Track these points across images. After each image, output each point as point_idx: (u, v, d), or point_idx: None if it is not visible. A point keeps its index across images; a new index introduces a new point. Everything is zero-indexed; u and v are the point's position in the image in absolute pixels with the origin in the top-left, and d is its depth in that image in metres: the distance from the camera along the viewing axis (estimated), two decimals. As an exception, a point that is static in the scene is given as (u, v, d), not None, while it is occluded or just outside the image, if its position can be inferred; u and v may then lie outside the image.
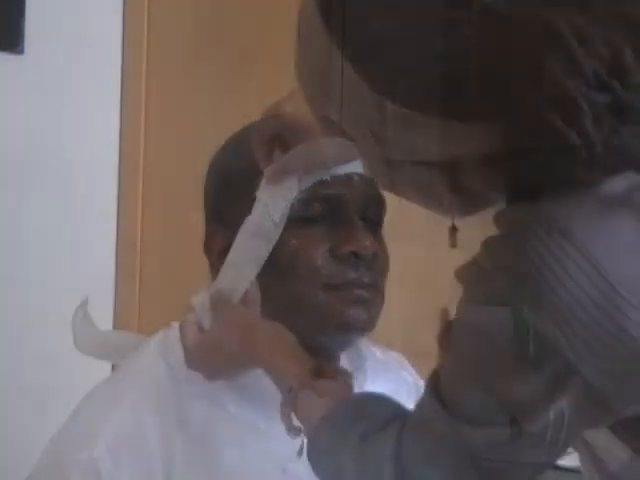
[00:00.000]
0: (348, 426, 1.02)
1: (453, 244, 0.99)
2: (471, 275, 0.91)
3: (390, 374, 1.37)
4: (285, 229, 1.20)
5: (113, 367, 1.79)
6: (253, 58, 2.41)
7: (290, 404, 1.10)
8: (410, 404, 1.27)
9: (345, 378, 1.13)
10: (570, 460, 1.89)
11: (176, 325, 1.27)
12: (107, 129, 2.46)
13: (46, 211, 2.36)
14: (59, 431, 1.21)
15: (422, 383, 1.40)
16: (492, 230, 0.92)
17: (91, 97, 2.44)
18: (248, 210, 1.22)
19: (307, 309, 1.19)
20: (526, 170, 0.90)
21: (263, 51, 2.35)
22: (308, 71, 0.93)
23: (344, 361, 1.28)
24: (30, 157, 2.34)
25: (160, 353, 1.24)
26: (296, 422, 1.11)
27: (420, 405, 0.97)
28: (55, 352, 2.21)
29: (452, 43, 0.85)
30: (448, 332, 0.94)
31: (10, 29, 2.30)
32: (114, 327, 2.39)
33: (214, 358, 1.20)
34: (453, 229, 0.99)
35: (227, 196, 1.25)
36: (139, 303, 2.45)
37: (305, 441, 1.09)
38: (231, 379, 1.20)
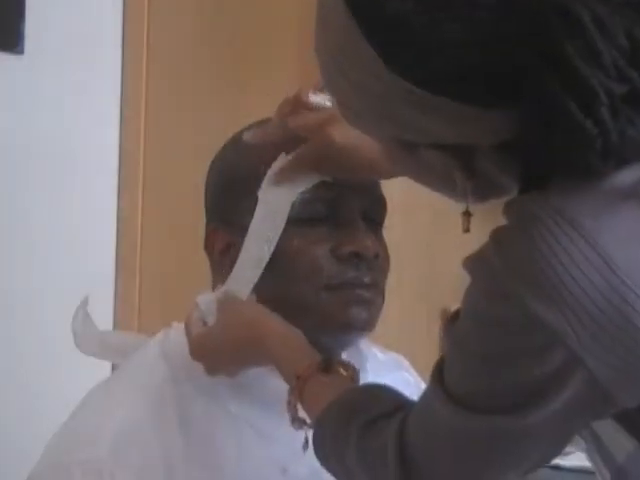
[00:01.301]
0: (354, 412, 1.02)
1: (466, 229, 0.99)
2: (479, 266, 0.91)
3: (391, 375, 1.37)
4: (286, 229, 1.20)
5: (113, 367, 1.79)
6: (253, 58, 2.41)
7: (297, 393, 1.10)
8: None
9: (352, 372, 1.14)
10: (570, 460, 1.90)
11: (176, 325, 1.27)
12: (107, 129, 2.46)
13: (46, 211, 2.36)
14: (60, 431, 1.21)
15: (423, 384, 1.40)
16: (500, 220, 0.92)
17: (91, 97, 2.44)
18: (249, 210, 1.22)
19: (308, 309, 1.20)
20: (540, 158, 0.90)
21: (263, 51, 2.35)
22: (327, 52, 0.93)
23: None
24: (30, 157, 2.34)
25: (161, 353, 1.24)
26: (301, 413, 1.12)
27: (425, 393, 0.97)
28: (55, 352, 2.22)
29: (472, 27, 0.85)
30: (455, 321, 0.94)
31: (10, 29, 2.30)
32: (114, 327, 2.39)
33: (218, 351, 1.20)
34: (467, 214, 0.99)
35: (228, 195, 1.25)
36: (139, 303, 2.45)
37: (309, 435, 1.09)
38: (233, 375, 1.20)
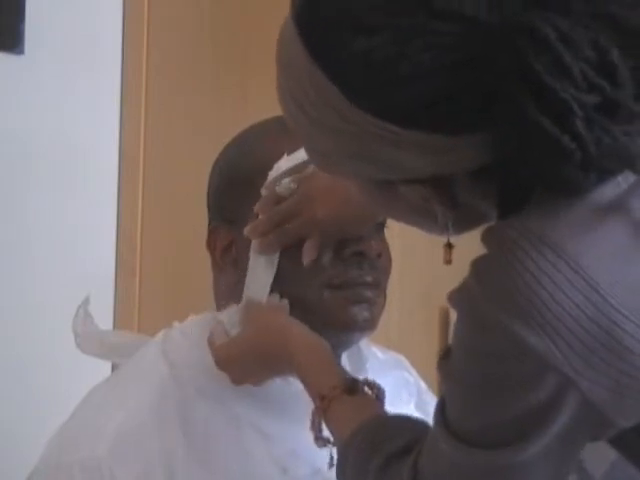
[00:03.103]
0: (374, 448, 1.02)
1: (448, 261, 0.99)
2: (462, 299, 0.91)
3: (391, 374, 1.37)
4: None
5: (113, 367, 1.79)
6: (253, 58, 2.41)
7: (321, 413, 1.10)
8: (410, 405, 1.28)
9: (377, 392, 1.14)
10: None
11: (177, 325, 1.27)
12: (107, 129, 2.46)
13: (46, 211, 2.36)
14: (60, 431, 1.20)
15: (423, 384, 1.41)
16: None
17: (91, 97, 2.44)
18: (251, 208, 1.22)
19: (310, 308, 1.20)
20: (519, 180, 0.89)
21: (263, 51, 2.35)
22: (290, 93, 0.92)
23: (345, 361, 1.28)
24: (30, 157, 2.34)
25: (162, 353, 1.23)
26: (325, 432, 1.12)
27: (431, 433, 0.97)
28: (55, 351, 2.21)
29: (440, 54, 0.84)
30: (447, 357, 0.94)
31: (10, 29, 2.29)
32: (114, 327, 2.39)
33: (243, 360, 1.20)
34: (448, 246, 0.99)
35: (231, 195, 1.26)
36: (139, 303, 2.45)
37: (333, 453, 1.10)
38: (258, 384, 1.20)
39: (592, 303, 0.85)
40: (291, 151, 1.22)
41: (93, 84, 2.44)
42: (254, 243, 1.21)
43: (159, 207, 2.46)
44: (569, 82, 0.83)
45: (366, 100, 0.87)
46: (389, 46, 0.85)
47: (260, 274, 1.22)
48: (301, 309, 1.20)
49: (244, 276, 1.23)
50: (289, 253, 1.21)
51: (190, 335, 1.25)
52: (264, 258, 1.21)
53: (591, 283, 0.85)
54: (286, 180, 1.21)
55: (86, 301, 1.34)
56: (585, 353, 0.85)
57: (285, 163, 1.22)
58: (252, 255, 1.22)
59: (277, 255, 1.21)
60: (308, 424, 1.13)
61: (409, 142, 0.87)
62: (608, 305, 0.85)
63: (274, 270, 1.21)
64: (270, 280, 1.21)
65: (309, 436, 1.14)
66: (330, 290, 1.20)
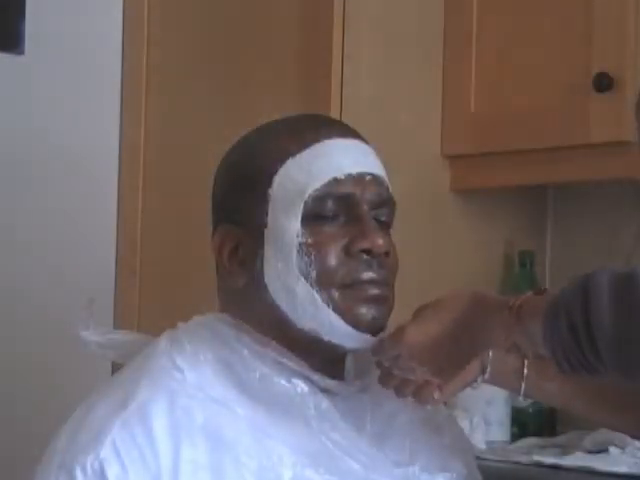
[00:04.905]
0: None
1: None
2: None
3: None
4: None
5: (113, 367, 1.79)
6: (254, 58, 2.41)
7: (515, 320, 1.11)
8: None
9: None
10: (570, 460, 1.89)
11: (182, 326, 1.27)
12: (107, 129, 2.47)
13: (46, 211, 2.36)
14: (63, 431, 1.20)
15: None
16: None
17: (91, 97, 2.44)
18: (258, 209, 1.22)
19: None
20: None
21: (264, 51, 2.35)
22: None
23: (351, 361, 1.28)
24: (30, 157, 2.34)
25: (166, 354, 1.23)
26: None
27: None
28: (56, 351, 2.22)
29: None
30: None
31: (10, 29, 2.30)
32: (114, 327, 2.39)
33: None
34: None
35: (237, 195, 1.25)
36: (139, 303, 2.45)
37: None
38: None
39: None
40: (296, 153, 1.22)
41: (93, 84, 2.44)
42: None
43: (159, 207, 2.46)
44: None
45: None
46: None
47: (279, 265, 1.22)
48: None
49: (253, 277, 1.23)
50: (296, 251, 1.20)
51: (195, 336, 1.24)
52: (279, 250, 1.21)
53: None
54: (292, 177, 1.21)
55: (90, 302, 1.33)
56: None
57: (291, 166, 1.22)
58: (270, 250, 1.21)
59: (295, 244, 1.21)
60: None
61: None
62: None
63: (295, 253, 1.21)
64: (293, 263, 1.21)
65: (312, 437, 1.15)
66: (339, 289, 1.20)
